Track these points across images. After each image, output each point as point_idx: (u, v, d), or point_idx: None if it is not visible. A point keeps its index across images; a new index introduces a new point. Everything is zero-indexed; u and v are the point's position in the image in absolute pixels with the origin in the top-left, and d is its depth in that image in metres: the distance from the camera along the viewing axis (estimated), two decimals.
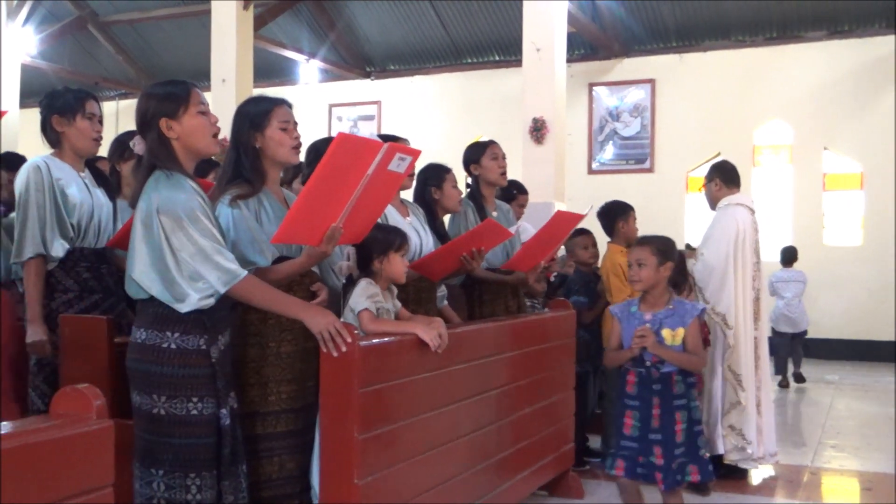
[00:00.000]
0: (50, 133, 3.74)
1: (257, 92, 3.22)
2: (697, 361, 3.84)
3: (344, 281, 3.46)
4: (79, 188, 3.70)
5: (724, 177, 5.56)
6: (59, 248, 3.62)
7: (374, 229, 3.32)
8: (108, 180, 3.96)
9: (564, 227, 4.59)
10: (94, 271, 3.75)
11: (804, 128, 12.19)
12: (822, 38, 12.14)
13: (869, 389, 9.23)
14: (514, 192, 5.75)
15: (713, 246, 5.32)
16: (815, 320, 11.56)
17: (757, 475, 5.43)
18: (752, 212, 5.51)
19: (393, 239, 3.35)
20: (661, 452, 3.74)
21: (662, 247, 3.88)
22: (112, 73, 16.30)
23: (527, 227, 5.95)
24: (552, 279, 6.51)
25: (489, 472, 3.85)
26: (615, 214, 5.70)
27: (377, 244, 3.32)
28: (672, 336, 3.80)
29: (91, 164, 3.91)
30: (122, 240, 3.64)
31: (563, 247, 5.75)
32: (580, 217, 4.71)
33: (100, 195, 3.80)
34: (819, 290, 11.60)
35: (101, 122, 3.80)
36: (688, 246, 6.23)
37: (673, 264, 3.91)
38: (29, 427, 1.78)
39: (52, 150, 3.77)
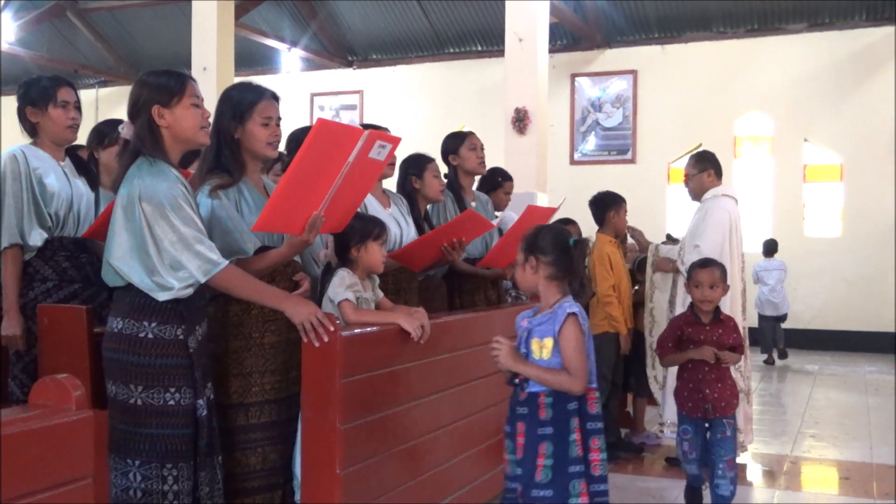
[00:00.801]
0: (26, 124, 3.71)
1: (238, 81, 3.19)
2: (565, 381, 2.87)
3: (322, 269, 3.44)
4: (57, 177, 3.66)
5: (716, 167, 5.55)
6: (36, 238, 3.59)
7: (353, 218, 3.30)
8: (90, 170, 3.92)
9: (537, 221, 4.58)
10: (74, 260, 3.72)
11: (784, 119, 12.26)
12: (802, 30, 12.20)
13: (848, 379, 9.32)
14: (500, 180, 5.72)
15: (709, 237, 5.26)
16: (795, 311, 11.66)
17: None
18: (737, 202, 5.54)
19: (371, 228, 3.32)
20: (521, 492, 2.92)
21: (530, 240, 3.04)
22: (91, 60, 16.16)
23: (513, 217, 5.94)
24: None
25: (472, 461, 3.85)
26: (607, 205, 5.73)
27: (355, 233, 3.29)
28: (539, 347, 2.96)
29: (73, 153, 3.87)
30: (100, 229, 3.62)
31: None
32: (552, 211, 4.71)
33: (80, 185, 3.76)
34: (799, 280, 11.69)
35: (77, 108, 3.75)
36: (668, 237, 6.25)
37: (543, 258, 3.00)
38: (8, 417, 1.76)
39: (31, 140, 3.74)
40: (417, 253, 3.95)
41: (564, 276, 3.00)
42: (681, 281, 5.33)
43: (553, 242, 3.00)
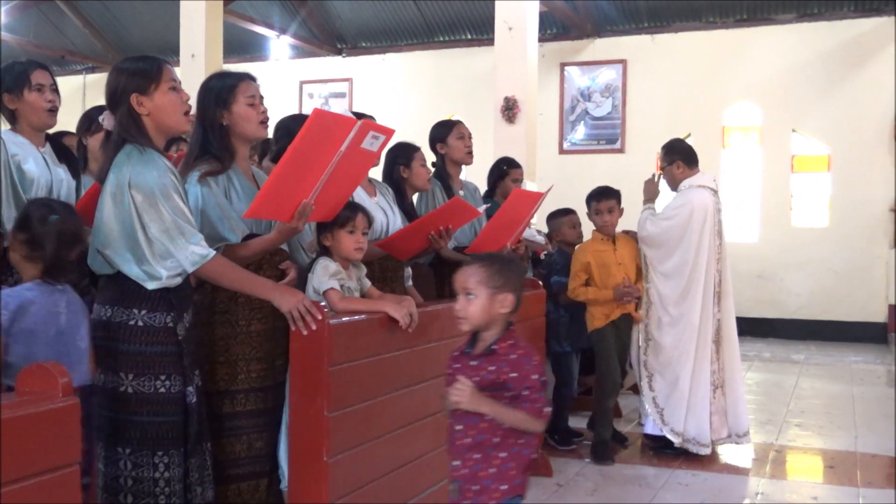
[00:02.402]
0: (4, 111, 3.66)
1: (227, 68, 3.19)
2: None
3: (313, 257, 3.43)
4: (36, 163, 3.62)
5: (685, 157, 5.53)
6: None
7: None
8: (71, 156, 3.88)
9: (524, 206, 4.58)
10: None
11: (773, 110, 12.29)
12: (791, 20, 12.22)
13: (833, 369, 9.37)
14: (505, 168, 5.70)
15: (659, 224, 5.39)
16: (782, 300, 11.72)
17: (726, 453, 5.50)
18: (715, 192, 5.50)
19: (338, 214, 3.27)
20: None
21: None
22: (79, 46, 16.05)
23: (534, 234, 5.97)
24: (542, 257, 6.51)
25: None
26: (588, 202, 5.68)
27: (324, 223, 3.27)
28: None
29: (54, 139, 3.84)
30: (82, 213, 3.60)
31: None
32: (539, 195, 4.71)
33: (60, 171, 3.73)
34: (785, 270, 11.74)
35: (55, 90, 3.70)
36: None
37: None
38: None
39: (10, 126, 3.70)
40: (404, 241, 3.94)
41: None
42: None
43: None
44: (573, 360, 5.73)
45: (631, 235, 5.61)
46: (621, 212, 5.49)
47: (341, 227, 3.26)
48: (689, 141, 12.66)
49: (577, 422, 5.94)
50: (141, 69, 2.80)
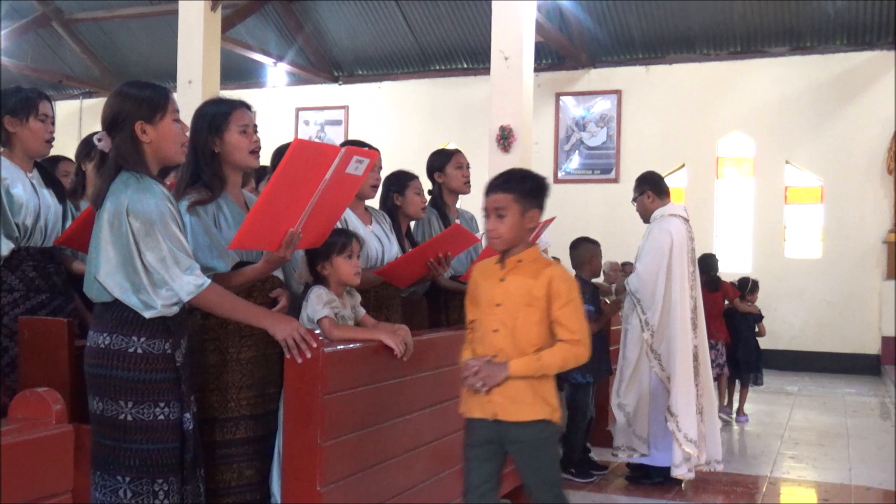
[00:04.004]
0: (1, 132, 3.67)
1: (224, 95, 3.20)
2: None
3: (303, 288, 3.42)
4: (25, 188, 3.62)
5: (654, 188, 5.59)
6: (3, 248, 3.54)
7: None
8: (57, 182, 3.88)
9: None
10: (41, 270, 3.67)
11: (766, 141, 12.37)
12: (784, 53, 12.34)
13: (827, 401, 9.36)
14: None
15: (645, 260, 5.37)
16: (775, 331, 11.72)
17: (714, 483, 5.48)
18: (686, 220, 5.54)
19: (334, 241, 3.26)
20: None
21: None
22: (76, 71, 16.11)
23: (545, 240, 5.93)
24: None
25: (452, 479, 3.84)
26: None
27: (320, 250, 3.25)
28: None
29: (40, 165, 3.84)
30: (71, 238, 3.59)
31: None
32: (542, 223, 4.68)
33: (47, 196, 3.72)
34: (779, 301, 11.76)
35: (53, 123, 3.73)
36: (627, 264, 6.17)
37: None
38: None
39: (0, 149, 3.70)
40: (403, 269, 3.94)
41: None
42: (628, 301, 5.44)
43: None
44: (591, 391, 5.71)
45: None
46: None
47: (339, 253, 3.26)
48: (682, 171, 12.83)
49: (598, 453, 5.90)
50: (148, 97, 2.79)
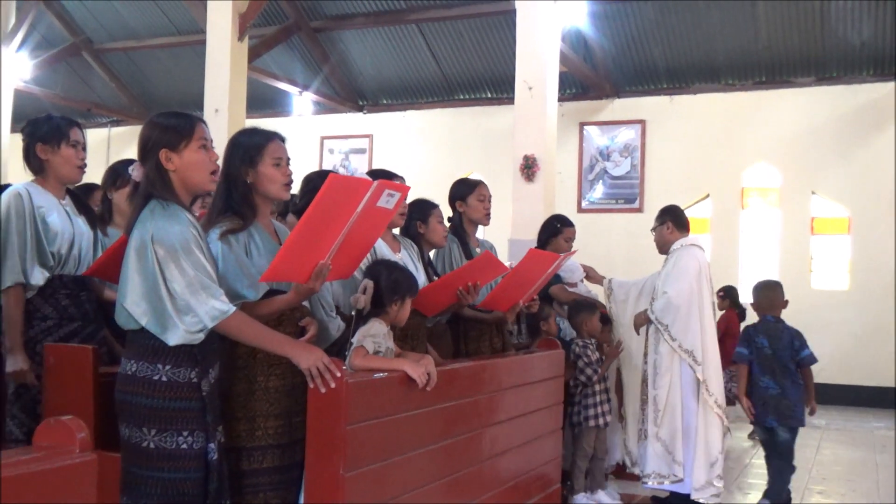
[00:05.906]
0: (33, 160, 3.70)
1: (250, 123, 3.21)
2: None
3: (354, 313, 3.41)
4: (59, 216, 3.66)
5: (675, 220, 5.63)
6: (38, 277, 3.58)
7: (397, 271, 3.37)
8: (89, 209, 3.91)
9: (539, 266, 4.55)
10: (74, 298, 3.70)
11: (792, 171, 12.28)
12: (810, 83, 12.28)
13: (855, 435, 9.22)
14: (559, 226, 5.77)
15: (676, 284, 5.33)
16: None
17: None
18: (703, 251, 5.67)
19: (413, 284, 3.42)
20: None
21: None
22: (105, 100, 16.33)
23: (574, 264, 5.91)
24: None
25: None
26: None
27: (399, 287, 3.36)
28: None
29: (72, 192, 3.88)
30: (101, 268, 3.61)
31: None
32: (555, 257, 4.67)
33: (80, 224, 3.76)
34: (806, 333, 11.49)
35: (84, 149, 3.77)
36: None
37: None
38: (11, 459, 1.74)
39: (33, 177, 3.74)
40: (432, 297, 3.94)
41: None
42: (652, 329, 5.41)
43: None
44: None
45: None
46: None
47: (413, 296, 3.47)
48: (707, 202, 12.77)
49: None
50: (173, 125, 2.82)
